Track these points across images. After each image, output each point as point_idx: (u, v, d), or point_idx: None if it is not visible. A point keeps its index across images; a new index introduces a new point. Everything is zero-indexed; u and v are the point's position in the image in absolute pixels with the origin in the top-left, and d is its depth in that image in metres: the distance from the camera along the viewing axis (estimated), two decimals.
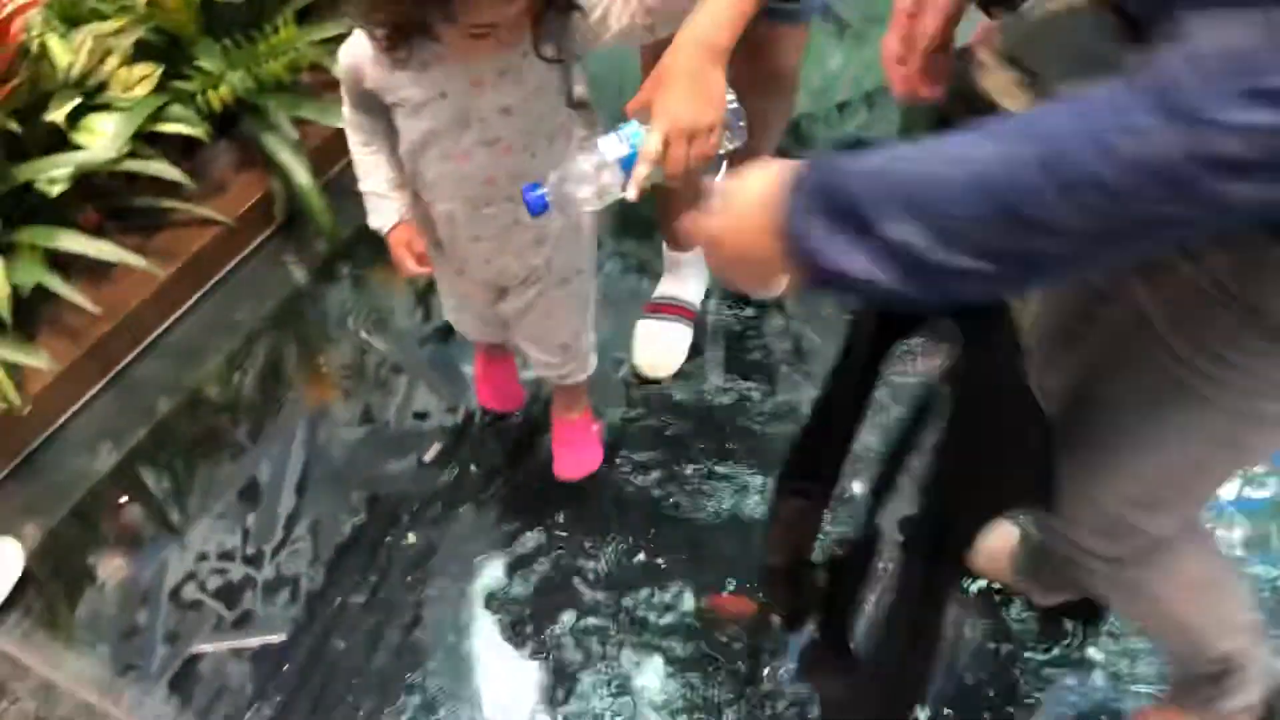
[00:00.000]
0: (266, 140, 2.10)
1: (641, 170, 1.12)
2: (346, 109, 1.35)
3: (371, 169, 1.37)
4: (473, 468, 1.82)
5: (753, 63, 1.55)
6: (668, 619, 1.63)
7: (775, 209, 0.75)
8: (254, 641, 1.65)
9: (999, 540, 1.50)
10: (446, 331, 1.91)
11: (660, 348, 1.91)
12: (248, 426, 1.94)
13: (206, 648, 1.64)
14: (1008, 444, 0.98)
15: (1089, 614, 1.56)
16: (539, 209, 1.17)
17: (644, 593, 1.65)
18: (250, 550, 1.75)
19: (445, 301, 1.65)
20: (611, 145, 1.14)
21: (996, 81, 0.91)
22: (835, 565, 1.23)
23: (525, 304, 1.50)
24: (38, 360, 1.81)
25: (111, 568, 1.76)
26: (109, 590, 1.73)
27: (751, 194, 0.78)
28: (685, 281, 1.96)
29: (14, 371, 1.80)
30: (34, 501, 1.83)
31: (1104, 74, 0.64)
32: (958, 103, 0.95)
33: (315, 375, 2.03)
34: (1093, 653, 1.56)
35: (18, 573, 1.71)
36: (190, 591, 1.71)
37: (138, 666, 1.63)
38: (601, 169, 1.14)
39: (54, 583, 1.75)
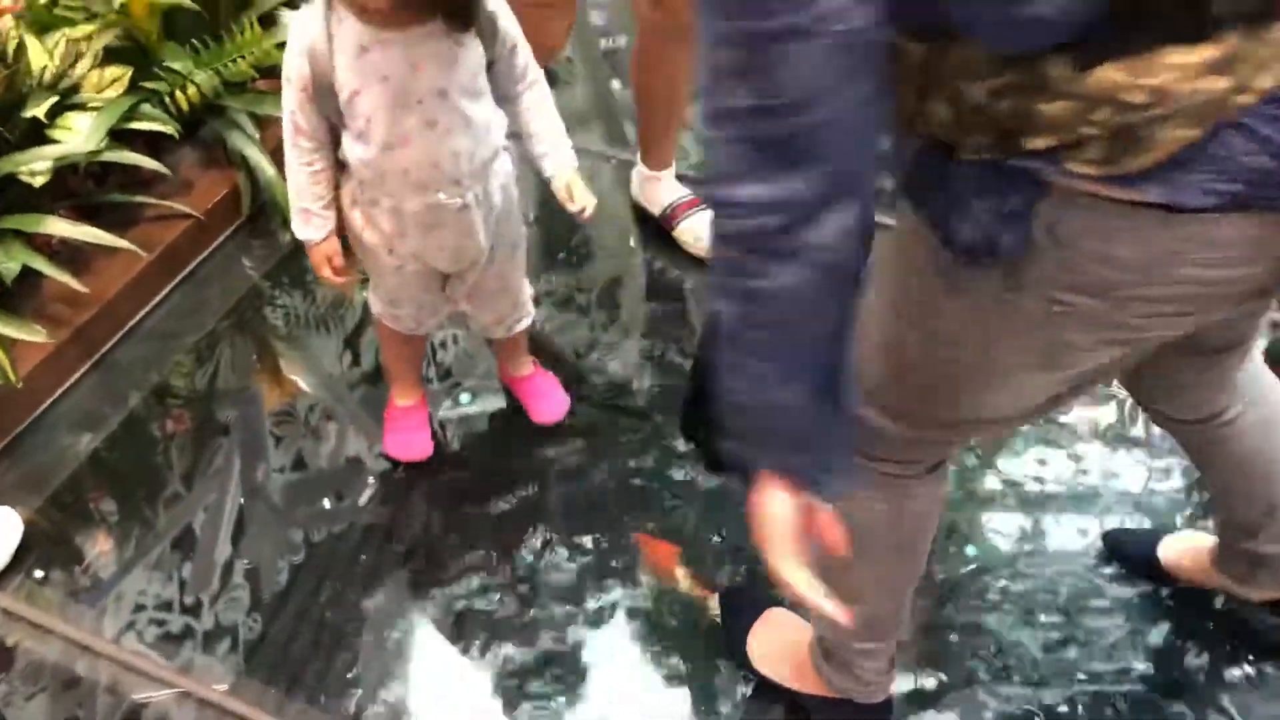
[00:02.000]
0: (232, 137, 2.22)
1: None
2: (292, 115, 1.42)
3: (307, 185, 1.48)
4: (407, 509, 1.85)
5: (661, 12, 1.94)
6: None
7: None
8: (197, 688, 1.62)
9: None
10: (375, 374, 2.01)
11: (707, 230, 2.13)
12: (183, 469, 1.93)
13: (149, 696, 1.62)
14: None
15: None
16: None
17: (591, 604, 1.70)
18: (188, 599, 1.74)
19: (377, 298, 1.70)
20: None
21: None
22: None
23: (480, 278, 1.63)
24: (34, 335, 1.90)
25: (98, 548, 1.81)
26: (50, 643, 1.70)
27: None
28: (676, 184, 2.25)
29: (8, 349, 1.88)
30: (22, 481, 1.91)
31: None
32: None
33: (272, 376, 2.10)
34: None
35: (17, 540, 1.78)
36: (130, 640, 1.69)
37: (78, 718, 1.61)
38: None
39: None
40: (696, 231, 2.20)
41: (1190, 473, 1.82)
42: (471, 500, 1.86)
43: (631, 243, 2.31)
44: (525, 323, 1.81)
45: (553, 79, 2.44)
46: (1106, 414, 1.95)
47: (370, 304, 1.74)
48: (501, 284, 1.68)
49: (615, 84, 2.81)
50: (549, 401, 1.90)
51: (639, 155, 2.27)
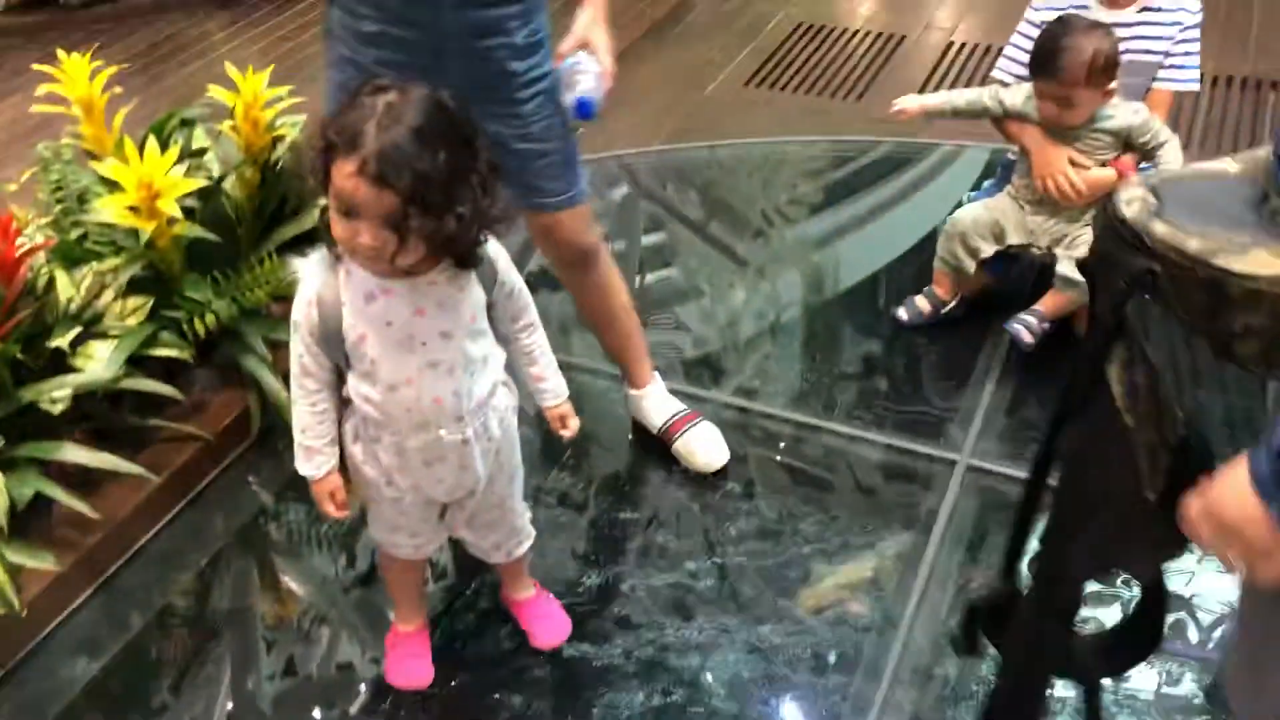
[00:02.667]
0: (245, 361, 2.30)
1: (610, 68, 1.79)
2: (300, 357, 1.49)
3: (313, 424, 1.54)
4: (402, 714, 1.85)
5: (556, 249, 2.08)
6: None
7: (1253, 503, 0.91)
8: None
9: None
10: (370, 576, 2.04)
11: (705, 445, 2.24)
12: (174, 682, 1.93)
13: None
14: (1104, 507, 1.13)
15: None
16: (588, 111, 1.76)
17: None
18: None
19: (375, 525, 1.73)
20: (583, 60, 1.79)
21: (1140, 208, 1.02)
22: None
23: (478, 506, 1.68)
24: (43, 563, 1.92)
25: None
26: None
27: (1225, 490, 0.95)
28: (667, 396, 2.32)
29: (14, 576, 1.90)
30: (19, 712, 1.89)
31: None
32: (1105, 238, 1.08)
33: (275, 596, 2.12)
34: None
35: None
36: None
37: None
38: (582, 75, 1.77)
39: None
40: (693, 448, 2.24)
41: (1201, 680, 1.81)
42: (467, 716, 1.84)
43: (630, 454, 2.36)
44: (525, 547, 1.83)
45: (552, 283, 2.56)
46: (1112, 616, 1.94)
47: (370, 532, 1.77)
48: (500, 512, 1.72)
49: None
50: (550, 626, 1.91)
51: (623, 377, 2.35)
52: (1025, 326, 2.44)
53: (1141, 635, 1.27)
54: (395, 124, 1.28)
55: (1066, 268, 2.41)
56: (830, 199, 3.22)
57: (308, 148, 1.35)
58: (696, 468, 2.25)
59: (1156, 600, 1.24)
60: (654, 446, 2.37)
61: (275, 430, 2.33)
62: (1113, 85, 2.33)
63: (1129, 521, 1.12)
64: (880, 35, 4.20)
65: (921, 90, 3.67)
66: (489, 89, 1.77)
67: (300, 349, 1.49)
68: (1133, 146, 2.37)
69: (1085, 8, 2.45)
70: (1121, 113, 2.35)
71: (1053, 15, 2.42)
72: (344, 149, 1.28)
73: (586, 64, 1.79)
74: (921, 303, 2.62)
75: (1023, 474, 2.23)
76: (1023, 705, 1.38)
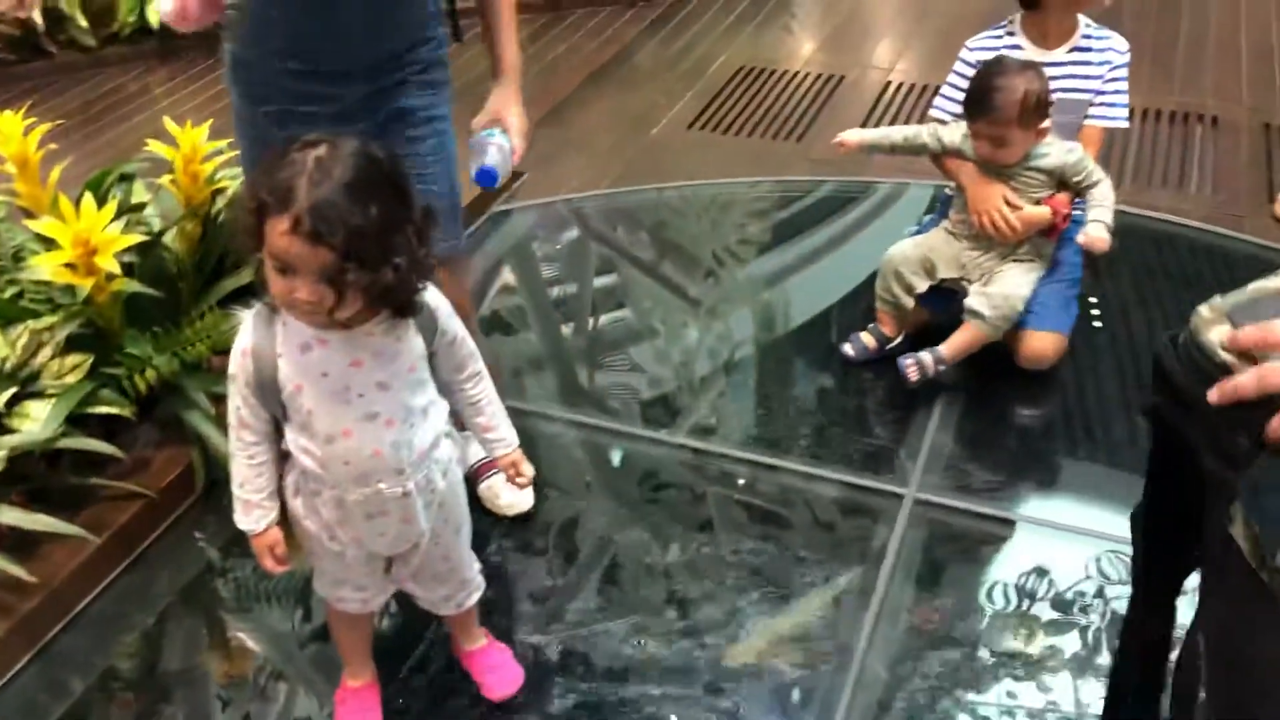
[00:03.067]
0: (188, 416, 2.27)
1: (520, 148, 1.90)
2: (237, 409, 1.47)
3: (251, 476, 1.52)
4: None
5: None
6: None
7: None
8: None
9: None
10: (325, 630, 1.96)
11: (508, 488, 2.16)
12: None
13: None
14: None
15: None
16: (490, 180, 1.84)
17: None
18: None
19: (320, 580, 1.71)
20: (496, 135, 1.89)
21: (1217, 334, 0.98)
22: None
23: (425, 559, 1.65)
24: None
25: None
26: None
27: None
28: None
29: None
30: None
31: None
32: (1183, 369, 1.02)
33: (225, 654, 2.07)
34: None
35: None
36: None
37: None
38: (490, 147, 1.86)
39: None
40: (497, 490, 2.24)
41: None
42: None
43: (584, 498, 2.35)
44: (474, 598, 1.81)
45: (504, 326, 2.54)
46: (1072, 642, 1.95)
47: (315, 586, 1.74)
48: (447, 564, 1.70)
49: (565, 329, 2.93)
50: (502, 677, 1.87)
51: None
52: (918, 364, 2.48)
53: None
54: (326, 179, 1.27)
55: (976, 300, 2.46)
56: (778, 238, 3.25)
57: (240, 207, 1.34)
58: (499, 510, 2.24)
59: None
60: (610, 490, 2.36)
61: (220, 485, 2.28)
62: (1045, 124, 2.38)
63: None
64: (820, 76, 4.27)
65: (864, 124, 3.73)
66: (388, 125, 1.81)
67: (238, 400, 1.47)
68: (1066, 185, 2.42)
69: (1018, 48, 2.51)
70: (1055, 151, 2.40)
71: (987, 55, 2.48)
72: (276, 207, 1.27)
73: (499, 139, 1.89)
74: (867, 339, 2.64)
75: (968, 505, 2.27)
76: None
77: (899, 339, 2.64)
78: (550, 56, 4.56)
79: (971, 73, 2.46)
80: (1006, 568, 2.13)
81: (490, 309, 3.01)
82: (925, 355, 2.48)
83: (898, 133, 2.58)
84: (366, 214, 1.28)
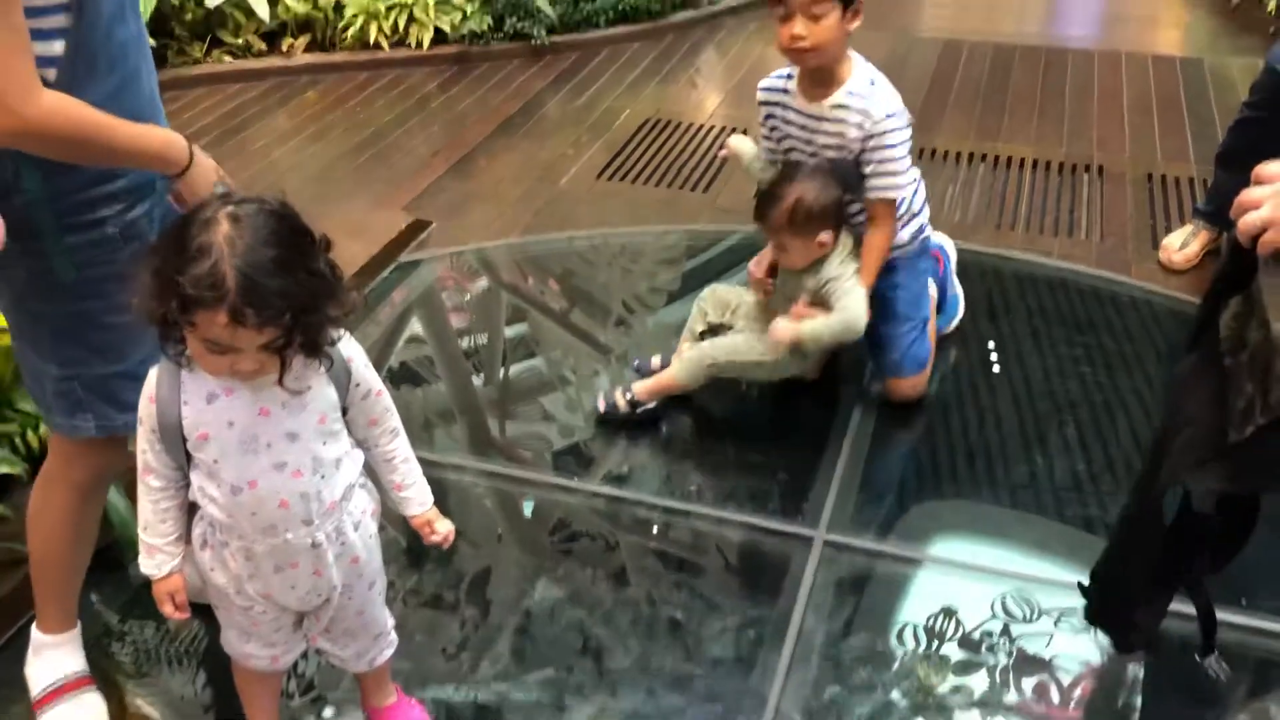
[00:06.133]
0: None
1: None
2: (143, 454, 1.45)
3: (155, 521, 1.49)
4: None
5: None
6: None
7: None
8: None
9: None
10: (228, 690, 1.86)
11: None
12: None
13: None
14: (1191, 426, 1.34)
15: None
16: None
17: None
18: None
19: (227, 636, 1.66)
20: None
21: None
22: None
23: (338, 615, 1.61)
24: None
25: None
26: None
27: None
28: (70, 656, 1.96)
29: None
30: None
31: None
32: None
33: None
34: None
35: None
36: None
37: None
38: None
39: None
40: None
41: None
42: None
43: (498, 550, 2.33)
44: (387, 654, 1.77)
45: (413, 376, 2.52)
46: (980, 681, 1.99)
47: (222, 643, 1.69)
48: (360, 620, 1.66)
49: (475, 379, 2.92)
50: None
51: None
52: (606, 399, 2.62)
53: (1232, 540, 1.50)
54: (250, 258, 1.23)
55: (690, 348, 2.60)
56: (687, 286, 3.29)
57: (148, 297, 1.28)
58: None
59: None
60: (522, 540, 2.35)
61: (118, 546, 2.21)
62: (824, 236, 2.38)
63: (1207, 447, 1.29)
64: (724, 129, 4.35)
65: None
66: None
67: (144, 444, 1.45)
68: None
69: (787, 93, 2.47)
70: (827, 269, 2.43)
71: (770, 97, 2.50)
72: (207, 302, 1.22)
73: None
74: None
75: (876, 546, 2.32)
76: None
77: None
78: (458, 108, 4.58)
79: (763, 113, 2.52)
80: (916, 608, 2.17)
81: (398, 359, 2.98)
82: (616, 394, 2.62)
83: (757, 164, 2.61)
84: (298, 280, 1.27)
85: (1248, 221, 1.16)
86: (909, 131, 2.41)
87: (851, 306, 2.39)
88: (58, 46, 1.42)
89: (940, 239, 2.91)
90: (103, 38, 1.46)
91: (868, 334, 2.47)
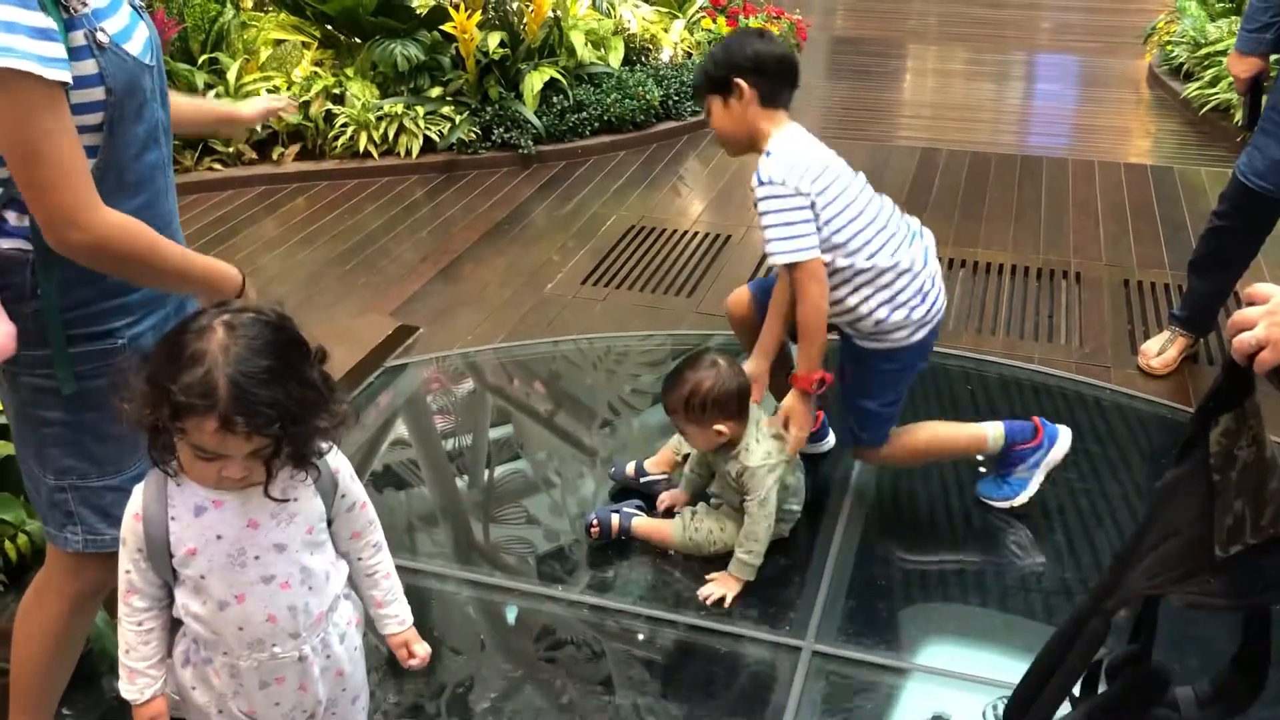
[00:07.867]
0: None
1: None
2: (127, 574, 1.43)
3: (137, 644, 1.47)
4: None
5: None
6: None
7: None
8: None
9: None
10: None
11: None
12: None
13: None
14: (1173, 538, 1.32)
15: None
16: None
17: None
18: None
19: None
20: None
21: None
22: None
23: None
24: None
25: None
26: None
27: None
28: None
29: None
30: None
31: None
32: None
33: None
34: None
35: None
36: None
37: None
38: None
39: None
40: None
41: None
42: None
43: (481, 660, 2.29)
44: None
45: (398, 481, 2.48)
46: None
47: None
48: None
49: (460, 483, 2.90)
50: None
51: None
52: (600, 525, 2.57)
53: (1240, 687, 1.42)
54: (242, 368, 1.24)
55: (683, 521, 2.54)
56: None
57: (140, 404, 1.29)
58: None
59: (1259, 650, 1.38)
60: (505, 649, 2.30)
61: (93, 658, 2.16)
62: (720, 427, 2.35)
63: (1187, 561, 1.28)
64: (708, 235, 4.43)
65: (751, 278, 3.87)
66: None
67: (127, 565, 1.42)
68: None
69: None
70: (753, 456, 2.39)
71: None
72: (198, 409, 1.23)
73: None
74: (631, 466, 2.77)
75: (864, 656, 2.28)
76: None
77: (660, 476, 2.74)
78: (446, 215, 4.65)
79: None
80: (905, 719, 2.13)
81: (382, 463, 2.97)
82: (615, 520, 2.56)
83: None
84: (289, 390, 1.27)
85: (1243, 340, 1.18)
86: (791, 200, 2.27)
87: (757, 514, 2.39)
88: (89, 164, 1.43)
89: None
90: (132, 159, 1.48)
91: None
